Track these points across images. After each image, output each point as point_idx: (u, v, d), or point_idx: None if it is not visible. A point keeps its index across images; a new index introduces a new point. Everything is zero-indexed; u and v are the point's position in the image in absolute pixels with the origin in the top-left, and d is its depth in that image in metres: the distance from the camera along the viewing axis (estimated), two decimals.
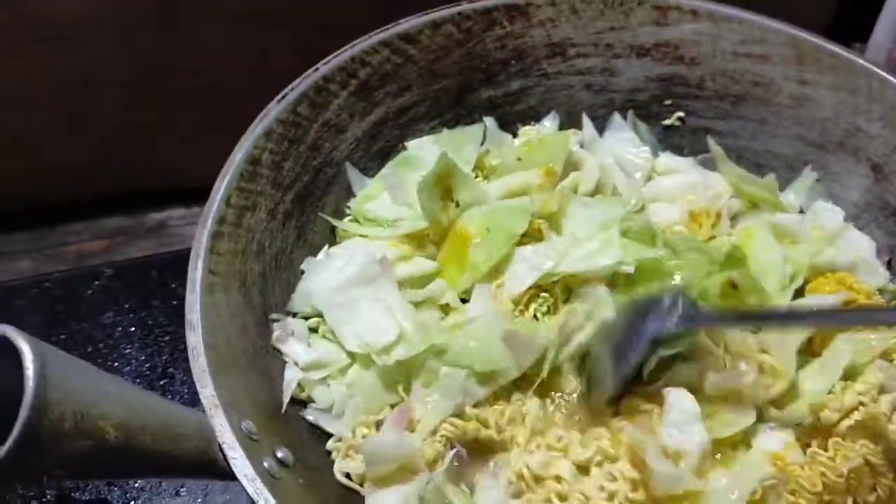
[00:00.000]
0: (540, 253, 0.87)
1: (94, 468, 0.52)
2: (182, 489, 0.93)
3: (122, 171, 1.35)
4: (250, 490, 0.62)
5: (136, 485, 0.93)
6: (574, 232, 0.89)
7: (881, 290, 0.92)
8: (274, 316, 0.85)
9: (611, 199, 0.95)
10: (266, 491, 0.62)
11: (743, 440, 0.77)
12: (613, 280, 0.86)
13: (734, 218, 1.00)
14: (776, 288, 0.87)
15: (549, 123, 1.07)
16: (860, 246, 0.95)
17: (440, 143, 1.00)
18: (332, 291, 0.86)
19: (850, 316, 0.76)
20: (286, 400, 0.80)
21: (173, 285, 1.08)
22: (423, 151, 0.99)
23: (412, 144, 1.01)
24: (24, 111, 1.21)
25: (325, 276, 0.87)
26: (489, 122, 1.04)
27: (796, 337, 0.80)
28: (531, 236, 0.90)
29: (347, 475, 0.79)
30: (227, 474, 0.63)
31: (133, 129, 1.27)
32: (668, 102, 1.07)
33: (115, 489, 0.92)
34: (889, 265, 0.96)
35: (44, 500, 0.90)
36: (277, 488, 0.65)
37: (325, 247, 0.92)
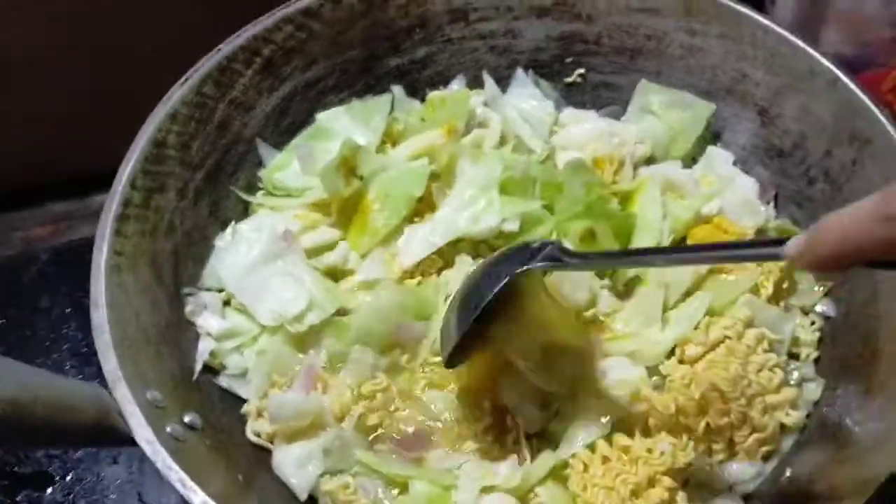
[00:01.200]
0: (428, 230, 0.92)
1: None
2: (119, 456, 0.98)
3: (66, 156, 1.37)
4: (148, 452, 0.68)
5: (75, 456, 0.99)
6: (461, 194, 0.94)
7: (762, 229, 0.98)
8: (186, 290, 0.90)
9: (492, 155, 0.99)
10: (164, 451, 0.68)
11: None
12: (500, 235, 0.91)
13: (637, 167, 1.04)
14: (650, 244, 0.92)
15: (456, 87, 1.10)
16: (745, 188, 1.00)
17: (350, 113, 1.04)
18: (240, 274, 0.91)
19: (693, 255, 0.79)
20: (198, 368, 0.85)
21: None
22: (334, 123, 1.03)
23: (322, 116, 1.05)
24: None
25: (232, 259, 0.92)
26: (397, 90, 1.08)
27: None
28: (426, 201, 0.95)
29: (258, 435, 0.84)
30: (126, 440, 0.69)
31: (75, 113, 1.29)
32: (569, 60, 1.11)
33: (56, 461, 0.98)
34: (775, 202, 1.01)
35: None
36: (180, 450, 0.70)
37: (232, 223, 0.96)
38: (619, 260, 0.86)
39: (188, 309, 0.88)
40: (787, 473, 0.80)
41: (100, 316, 0.75)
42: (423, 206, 0.96)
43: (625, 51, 1.09)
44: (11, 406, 0.57)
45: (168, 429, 0.72)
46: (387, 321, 0.86)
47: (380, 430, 0.84)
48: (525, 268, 0.74)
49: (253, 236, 0.93)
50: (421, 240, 0.92)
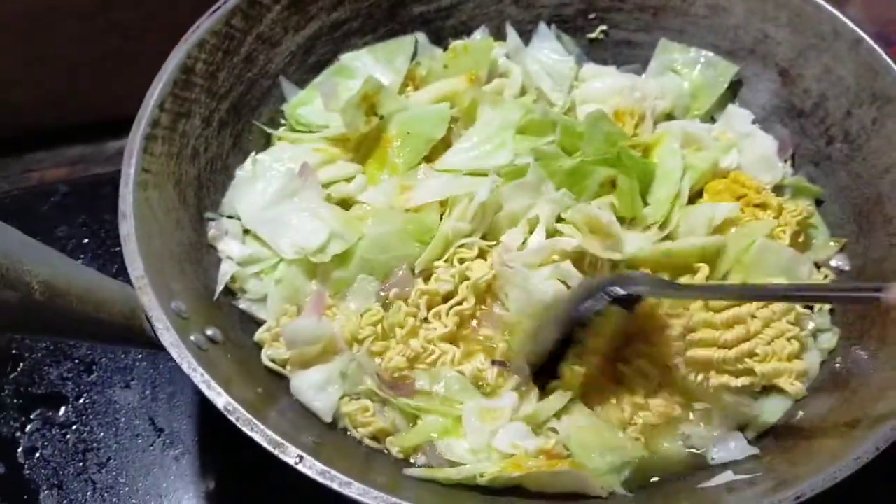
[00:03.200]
0: (444, 179, 0.93)
1: (22, 322, 0.58)
2: (132, 381, 0.99)
3: (84, 101, 1.38)
4: (174, 354, 0.68)
5: (89, 378, 0.99)
6: (477, 133, 0.95)
7: (779, 185, 0.98)
8: (209, 215, 0.91)
9: (515, 101, 1.00)
10: (190, 356, 0.68)
11: None
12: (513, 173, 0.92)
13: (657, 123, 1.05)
14: (667, 195, 0.93)
15: (479, 36, 1.11)
16: (763, 145, 1.01)
17: (373, 54, 1.05)
18: (259, 211, 0.91)
19: (792, 293, 0.81)
20: (219, 289, 0.86)
21: None
22: (358, 62, 1.04)
23: (346, 56, 1.05)
24: None
25: (249, 196, 0.93)
26: (420, 36, 1.09)
27: None
28: (445, 142, 0.96)
29: (274, 361, 0.84)
30: (154, 343, 0.69)
31: (93, 59, 1.30)
32: (592, 16, 1.12)
33: (69, 383, 0.99)
34: (793, 160, 1.02)
35: (1, 393, 0.98)
36: (203, 358, 0.71)
37: (252, 153, 0.97)
38: (708, 293, 0.85)
39: (210, 233, 0.89)
40: (800, 415, 0.81)
41: (128, 225, 0.76)
42: (441, 147, 0.97)
43: (648, 8, 1.10)
44: (46, 289, 0.57)
45: (192, 337, 0.72)
46: (388, 250, 0.87)
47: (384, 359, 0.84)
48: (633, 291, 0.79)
49: (272, 169, 0.94)
50: (435, 186, 0.92)
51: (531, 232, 0.88)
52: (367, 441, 0.80)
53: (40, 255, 0.59)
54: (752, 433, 0.82)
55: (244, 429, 0.65)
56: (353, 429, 0.81)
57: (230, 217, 0.93)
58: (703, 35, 1.08)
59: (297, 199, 0.92)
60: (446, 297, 0.86)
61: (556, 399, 0.81)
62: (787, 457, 0.75)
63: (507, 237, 0.87)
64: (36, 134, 1.42)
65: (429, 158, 0.96)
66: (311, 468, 0.64)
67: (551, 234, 0.88)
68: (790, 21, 1.01)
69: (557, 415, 0.81)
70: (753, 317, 0.84)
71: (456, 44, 1.07)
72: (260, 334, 0.86)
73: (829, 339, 0.88)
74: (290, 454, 0.64)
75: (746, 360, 0.82)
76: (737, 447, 0.80)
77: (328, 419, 0.80)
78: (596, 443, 0.78)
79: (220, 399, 0.67)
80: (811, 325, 0.88)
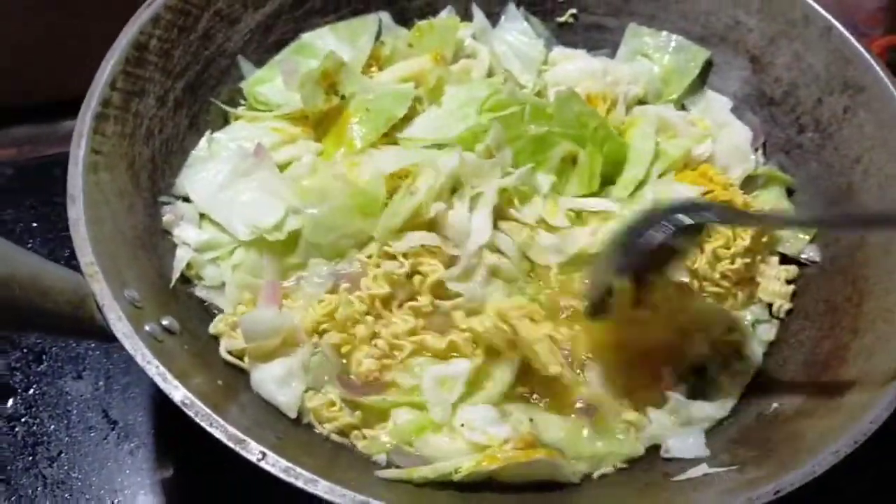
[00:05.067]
0: (396, 150, 0.91)
1: None
2: (84, 371, 0.95)
3: (34, 81, 1.33)
4: (127, 345, 0.65)
5: (38, 369, 0.95)
6: (441, 108, 0.93)
7: (752, 176, 0.97)
8: (163, 199, 0.87)
9: (482, 80, 0.98)
10: (144, 348, 0.65)
11: None
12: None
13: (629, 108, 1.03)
14: (633, 177, 0.92)
15: (445, 16, 1.08)
16: (738, 135, 1.00)
17: (336, 33, 1.02)
18: (212, 193, 0.88)
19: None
20: (175, 276, 0.82)
21: None
22: (319, 41, 1.01)
23: (308, 35, 1.02)
24: None
25: (203, 178, 0.89)
26: (384, 16, 1.05)
27: None
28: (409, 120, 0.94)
29: (231, 353, 0.81)
30: (105, 334, 0.66)
31: (43, 37, 1.25)
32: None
33: (17, 373, 0.95)
34: (764, 149, 1.01)
35: None
36: (159, 349, 0.67)
37: (208, 132, 0.93)
38: (777, 221, 0.87)
39: (165, 218, 0.85)
40: (774, 406, 0.80)
41: (77, 210, 0.73)
42: (402, 127, 0.94)
43: None
44: None
45: (147, 328, 0.69)
46: (333, 229, 0.84)
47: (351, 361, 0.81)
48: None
49: (227, 149, 0.91)
50: (386, 158, 0.90)
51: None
52: (333, 436, 0.77)
53: None
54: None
55: (203, 424, 0.62)
56: (318, 424, 0.78)
57: (185, 200, 0.89)
58: (673, 20, 1.06)
59: (251, 178, 0.88)
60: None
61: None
62: (763, 450, 0.73)
63: (451, 215, 0.85)
64: None
65: (388, 136, 0.93)
66: (275, 465, 0.61)
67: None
68: (761, 7, 1.00)
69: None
70: None
71: (421, 23, 1.04)
72: (216, 325, 0.82)
73: (768, 331, 0.89)
74: (252, 451, 0.62)
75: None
76: (693, 444, 0.79)
77: (293, 415, 0.77)
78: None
79: (177, 393, 0.63)
80: (749, 318, 0.89)
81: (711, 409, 0.82)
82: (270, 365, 0.79)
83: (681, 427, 0.81)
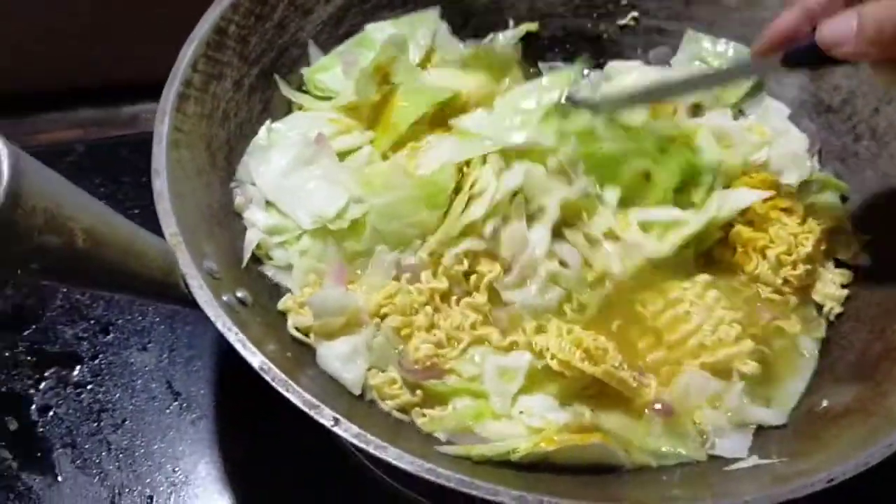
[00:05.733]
0: (452, 143, 0.92)
1: (63, 269, 0.56)
2: (149, 344, 0.98)
3: (98, 65, 1.37)
4: (209, 313, 0.68)
5: (105, 339, 0.99)
6: (502, 105, 0.95)
7: (807, 182, 0.98)
8: (234, 182, 0.90)
9: (554, 78, 0.99)
10: (224, 315, 0.68)
11: None
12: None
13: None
14: (704, 187, 0.93)
15: (503, 39, 1.10)
16: (796, 142, 1.01)
17: (397, 26, 1.04)
18: (275, 181, 0.90)
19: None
20: (247, 256, 0.85)
21: (143, 165, 1.11)
22: (379, 34, 1.03)
23: (370, 27, 1.04)
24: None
25: (266, 167, 0.91)
26: (442, 26, 1.07)
27: None
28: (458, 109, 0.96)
29: (298, 330, 0.83)
30: (188, 301, 0.69)
31: (109, 22, 1.29)
32: (623, 2, 1.11)
33: (84, 342, 0.98)
34: (819, 156, 1.02)
35: (16, 350, 0.97)
36: (236, 318, 0.70)
37: (268, 121, 0.96)
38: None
39: (237, 200, 0.88)
40: (824, 404, 0.82)
41: (161, 182, 0.75)
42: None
43: None
44: (88, 237, 0.56)
45: (224, 298, 0.72)
46: (398, 217, 0.86)
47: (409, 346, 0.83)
48: None
49: (287, 138, 0.93)
50: (445, 148, 0.91)
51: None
52: (395, 413, 0.80)
53: (83, 202, 0.58)
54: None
55: (280, 388, 0.65)
56: (380, 400, 0.80)
57: (254, 184, 0.92)
58: (733, 27, 1.07)
59: (313, 166, 0.91)
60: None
61: None
62: (814, 443, 0.75)
63: (508, 231, 0.86)
64: (46, 97, 1.41)
65: (438, 124, 0.95)
66: (347, 431, 0.64)
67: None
68: None
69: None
70: (688, 312, 0.86)
71: (479, 48, 1.05)
72: (284, 302, 0.85)
73: (817, 329, 0.89)
74: (325, 416, 0.64)
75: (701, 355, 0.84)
76: (739, 444, 0.80)
77: (357, 391, 0.79)
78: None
79: (256, 359, 0.66)
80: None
81: (767, 416, 0.83)
82: (336, 342, 0.82)
83: (733, 428, 0.82)
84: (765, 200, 0.92)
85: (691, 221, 0.89)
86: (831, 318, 0.91)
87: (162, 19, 1.27)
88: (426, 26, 1.05)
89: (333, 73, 1.00)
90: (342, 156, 0.93)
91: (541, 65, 1.12)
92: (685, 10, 1.10)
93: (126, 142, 1.18)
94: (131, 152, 1.17)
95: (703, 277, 0.89)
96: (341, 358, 0.80)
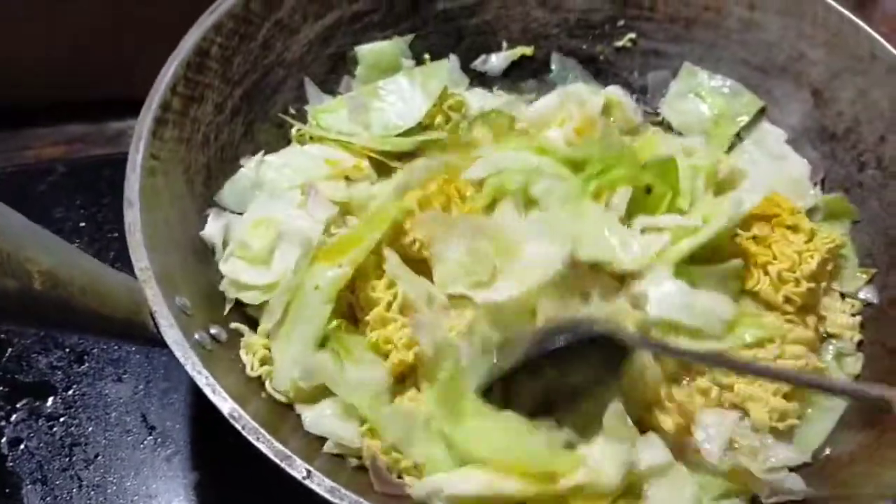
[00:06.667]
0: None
1: (21, 313, 0.53)
2: (125, 375, 0.95)
3: (85, 80, 1.34)
4: (178, 354, 0.64)
5: (79, 369, 0.95)
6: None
7: (812, 210, 0.95)
8: (209, 209, 0.87)
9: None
10: (193, 356, 0.64)
11: None
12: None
13: None
14: (689, 192, 0.89)
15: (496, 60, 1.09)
16: (796, 168, 0.98)
17: (409, 76, 1.00)
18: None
19: (772, 372, 0.77)
20: (228, 306, 0.81)
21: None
22: (392, 85, 0.99)
23: (363, 49, 1.02)
24: None
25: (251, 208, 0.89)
26: (452, 59, 1.05)
27: None
28: None
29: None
30: (157, 341, 0.65)
31: (97, 37, 1.26)
32: (620, 23, 1.08)
33: (58, 372, 0.95)
34: (822, 185, 0.99)
35: None
36: (207, 358, 0.67)
37: (261, 154, 0.93)
38: (681, 355, 0.79)
39: (207, 228, 0.85)
40: (827, 452, 0.78)
41: (133, 214, 0.72)
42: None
43: (680, 19, 1.06)
44: (48, 280, 0.53)
45: (196, 336, 0.68)
46: None
47: None
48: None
49: (280, 176, 0.91)
50: None
51: None
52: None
53: (43, 243, 0.55)
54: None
55: (250, 438, 0.61)
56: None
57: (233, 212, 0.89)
58: (734, 49, 1.05)
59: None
60: None
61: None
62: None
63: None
64: (30, 110, 1.38)
65: None
66: (320, 485, 0.60)
67: None
68: (827, 41, 0.98)
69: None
70: (762, 346, 0.82)
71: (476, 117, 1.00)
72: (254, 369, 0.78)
73: (854, 364, 0.86)
74: (297, 468, 0.61)
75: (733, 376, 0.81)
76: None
77: (357, 444, 0.75)
78: None
79: (226, 405, 0.63)
80: (831, 350, 0.87)
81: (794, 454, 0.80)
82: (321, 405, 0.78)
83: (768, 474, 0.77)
84: (770, 218, 0.89)
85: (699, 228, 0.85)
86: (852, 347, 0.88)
87: (151, 34, 1.25)
88: (437, 77, 1.00)
89: (339, 115, 0.97)
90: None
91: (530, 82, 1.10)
92: (685, 33, 1.07)
93: (109, 161, 1.15)
94: (113, 172, 1.12)
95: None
96: (332, 418, 0.76)
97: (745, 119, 1.03)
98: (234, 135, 0.91)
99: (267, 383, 0.78)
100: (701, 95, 1.06)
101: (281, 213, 0.85)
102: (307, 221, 0.84)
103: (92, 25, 1.23)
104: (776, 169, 0.98)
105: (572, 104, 0.98)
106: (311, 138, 0.97)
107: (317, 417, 0.76)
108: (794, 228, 0.89)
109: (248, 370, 0.77)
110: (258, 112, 0.94)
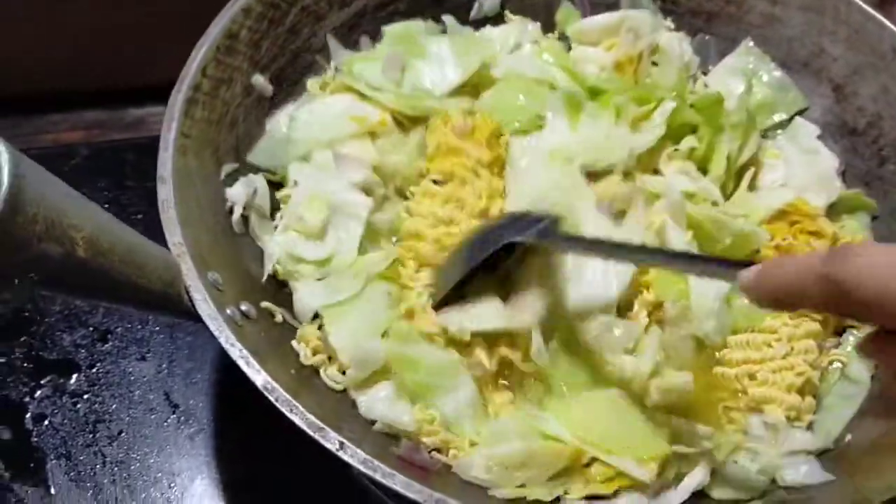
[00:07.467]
0: None
1: (63, 279, 0.54)
2: (148, 354, 0.96)
3: (104, 66, 1.35)
4: (213, 328, 0.65)
5: (103, 348, 0.96)
6: None
7: (834, 204, 0.96)
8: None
9: None
10: (227, 329, 0.65)
11: None
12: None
13: None
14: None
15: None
16: (826, 163, 0.99)
17: (452, 41, 0.99)
18: None
19: (687, 262, 0.73)
20: (267, 271, 0.82)
21: (148, 170, 1.09)
22: (434, 46, 0.98)
23: (415, 27, 1.01)
24: (4, 4, 1.20)
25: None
26: (448, 18, 1.04)
27: None
28: None
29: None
30: (191, 314, 0.66)
31: (115, 24, 1.27)
32: None
33: (82, 350, 0.95)
34: (843, 179, 0.99)
35: (12, 356, 0.95)
36: (239, 333, 0.68)
37: (290, 109, 0.93)
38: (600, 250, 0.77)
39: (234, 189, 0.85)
40: (847, 439, 0.79)
41: (167, 190, 0.73)
42: None
43: (701, 13, 1.07)
44: (90, 247, 0.54)
45: (228, 311, 0.69)
46: None
47: None
48: (514, 240, 0.75)
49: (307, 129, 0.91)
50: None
51: None
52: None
53: (85, 211, 0.56)
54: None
55: (284, 409, 0.62)
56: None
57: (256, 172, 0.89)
58: (755, 44, 1.05)
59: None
60: None
61: None
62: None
63: None
64: (48, 97, 1.39)
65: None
66: (353, 456, 0.61)
67: None
68: (848, 37, 0.99)
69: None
70: (770, 345, 0.83)
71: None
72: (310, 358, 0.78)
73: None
74: (330, 440, 0.61)
75: (746, 379, 0.81)
76: (810, 471, 0.77)
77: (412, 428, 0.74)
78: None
79: (259, 377, 0.63)
80: (851, 339, 0.87)
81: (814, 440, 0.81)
82: (375, 388, 0.77)
83: (787, 457, 0.79)
84: (791, 224, 0.90)
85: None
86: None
87: (169, 21, 1.26)
88: (478, 53, 0.99)
89: (373, 65, 0.95)
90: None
91: None
92: (706, 27, 1.08)
93: (131, 145, 1.16)
94: (136, 156, 1.15)
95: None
96: (386, 402, 0.76)
97: (783, 116, 1.03)
98: (261, 117, 0.92)
99: (321, 371, 0.77)
100: (750, 77, 1.04)
101: (331, 186, 0.85)
102: (357, 196, 0.85)
103: (107, 13, 1.23)
104: (807, 163, 0.98)
105: (629, 32, 0.99)
106: (331, 91, 0.96)
107: (371, 401, 0.75)
108: (817, 234, 0.90)
109: (301, 358, 0.77)
110: (285, 96, 0.95)
